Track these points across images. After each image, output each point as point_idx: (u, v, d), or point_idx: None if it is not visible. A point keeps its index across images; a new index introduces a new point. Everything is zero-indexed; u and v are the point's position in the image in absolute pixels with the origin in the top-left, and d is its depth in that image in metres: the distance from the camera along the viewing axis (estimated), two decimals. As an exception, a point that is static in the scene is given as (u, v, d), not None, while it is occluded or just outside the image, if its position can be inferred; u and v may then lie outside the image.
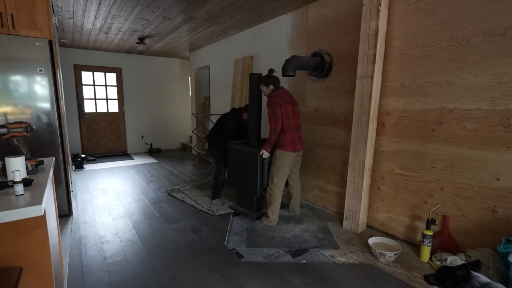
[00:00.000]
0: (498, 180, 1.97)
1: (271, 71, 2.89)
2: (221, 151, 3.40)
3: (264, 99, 2.92)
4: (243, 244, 2.53)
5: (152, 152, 7.06)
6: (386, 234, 2.68)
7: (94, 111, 6.48)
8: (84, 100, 6.32)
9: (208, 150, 3.66)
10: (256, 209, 3.09)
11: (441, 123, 2.24)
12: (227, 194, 3.74)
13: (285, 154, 2.77)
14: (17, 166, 1.26)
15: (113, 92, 6.67)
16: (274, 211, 2.89)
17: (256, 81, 2.94)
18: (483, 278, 1.36)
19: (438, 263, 2.13)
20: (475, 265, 1.46)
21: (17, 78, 2.66)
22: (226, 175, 3.37)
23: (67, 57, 5.85)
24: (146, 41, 5.22)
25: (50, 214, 1.41)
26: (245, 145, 3.07)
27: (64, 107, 4.20)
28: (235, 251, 2.40)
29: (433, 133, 2.30)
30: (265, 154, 2.81)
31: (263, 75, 2.95)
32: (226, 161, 3.32)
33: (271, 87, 2.83)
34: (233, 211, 3.26)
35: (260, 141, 3.11)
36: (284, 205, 3.30)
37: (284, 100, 2.76)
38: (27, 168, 1.42)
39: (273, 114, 2.73)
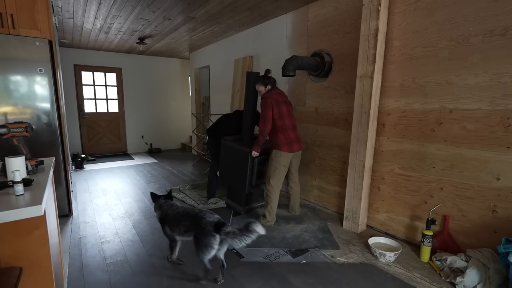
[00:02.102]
0: (498, 180, 1.97)
1: (268, 71, 2.88)
2: (217, 146, 3.43)
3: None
4: (243, 244, 2.53)
5: (152, 152, 7.06)
6: (386, 234, 2.68)
7: (94, 111, 6.48)
8: (84, 100, 6.32)
9: (207, 144, 3.72)
10: (244, 203, 3.15)
11: (441, 123, 2.24)
12: (221, 193, 3.73)
13: (281, 154, 2.78)
14: (17, 166, 1.26)
15: (113, 92, 6.67)
16: (271, 211, 2.89)
17: (253, 79, 2.93)
18: (168, 202, 2.19)
19: (438, 263, 2.13)
20: (168, 196, 2.28)
21: (17, 78, 2.66)
22: (218, 173, 3.41)
23: (67, 57, 5.85)
24: (146, 41, 5.22)
25: (50, 214, 1.41)
26: (238, 143, 3.08)
27: (64, 107, 4.21)
28: (235, 251, 2.40)
29: (433, 133, 2.30)
30: (255, 154, 2.84)
31: (260, 74, 2.94)
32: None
33: (269, 87, 2.83)
34: (231, 210, 3.26)
35: (253, 138, 3.11)
36: (284, 205, 3.30)
37: (277, 101, 2.76)
38: (27, 168, 1.42)
39: (262, 117, 2.74)
